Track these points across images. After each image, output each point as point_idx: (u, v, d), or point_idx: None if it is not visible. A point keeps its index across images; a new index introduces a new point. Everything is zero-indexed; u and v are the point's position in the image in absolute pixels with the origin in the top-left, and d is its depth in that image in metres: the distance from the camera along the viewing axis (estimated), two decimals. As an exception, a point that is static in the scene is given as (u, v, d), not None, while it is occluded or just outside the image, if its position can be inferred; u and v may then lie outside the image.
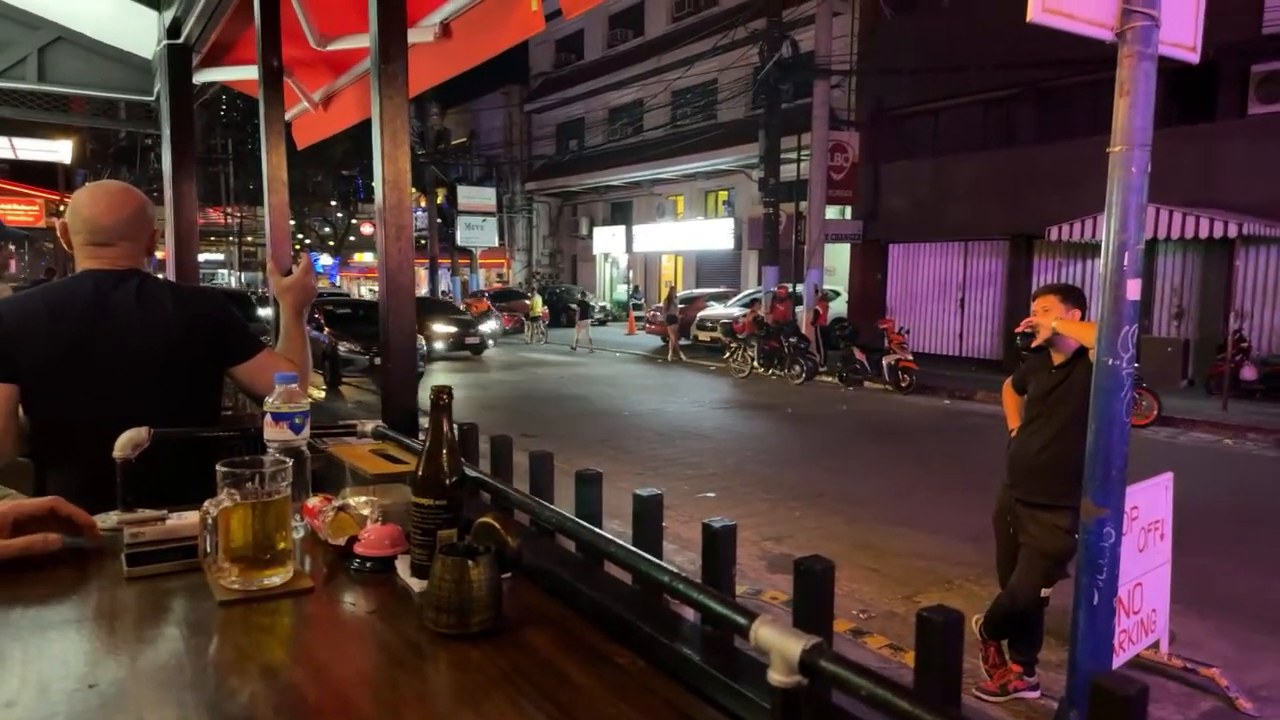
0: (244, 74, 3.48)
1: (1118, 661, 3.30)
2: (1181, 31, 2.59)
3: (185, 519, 1.30)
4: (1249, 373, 11.77)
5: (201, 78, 3.62)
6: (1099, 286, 2.63)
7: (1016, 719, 3.60)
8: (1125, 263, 2.54)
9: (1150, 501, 3.71)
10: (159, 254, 2.98)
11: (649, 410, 11.97)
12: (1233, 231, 11.22)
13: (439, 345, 17.99)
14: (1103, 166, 2.55)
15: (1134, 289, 2.57)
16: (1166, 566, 3.82)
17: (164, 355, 1.90)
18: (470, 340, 18.85)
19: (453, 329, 18.52)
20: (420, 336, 17.16)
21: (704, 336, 19.65)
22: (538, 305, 23.91)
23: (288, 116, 3.47)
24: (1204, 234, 11.45)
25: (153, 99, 4.04)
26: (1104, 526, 2.64)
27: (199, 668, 0.99)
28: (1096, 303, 2.66)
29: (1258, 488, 7.76)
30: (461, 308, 22.21)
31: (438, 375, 15.45)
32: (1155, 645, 3.84)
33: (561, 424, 10.82)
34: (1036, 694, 3.71)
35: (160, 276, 2.20)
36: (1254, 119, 12.81)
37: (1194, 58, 2.65)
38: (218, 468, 1.16)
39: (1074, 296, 3.59)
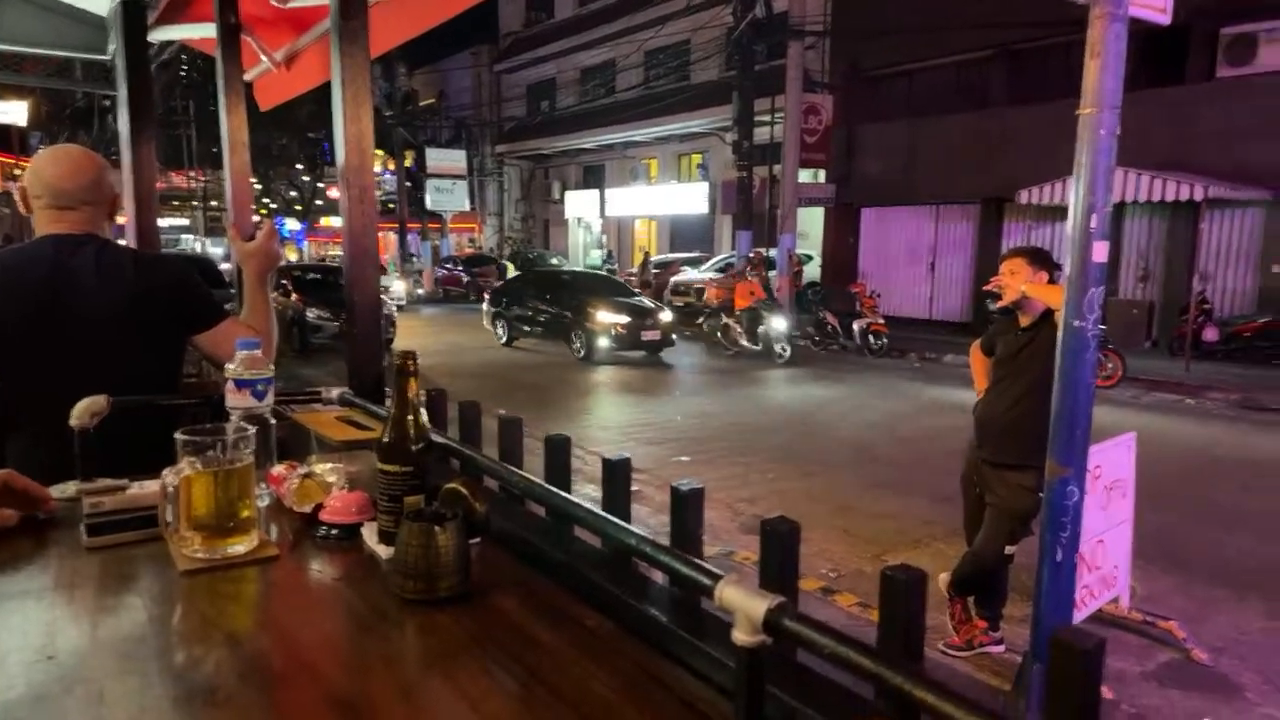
0: (202, 31, 3.37)
1: (1079, 616, 3.38)
2: (1152, -8, 2.58)
3: (146, 488, 1.28)
4: (1211, 334, 11.99)
5: (157, 35, 3.51)
6: (1067, 249, 2.65)
7: (981, 673, 3.69)
8: (1093, 225, 2.56)
9: (1113, 461, 3.78)
10: (120, 219, 2.91)
11: (623, 375, 11.97)
12: (1199, 195, 11.35)
13: (602, 342, 12.91)
14: (1073, 129, 2.56)
15: (1101, 251, 2.59)
16: (1128, 524, 3.91)
17: (124, 322, 1.86)
18: (648, 336, 13.23)
19: (623, 319, 13.09)
20: (581, 329, 13.17)
21: (678, 302, 19.62)
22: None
23: (248, 76, 3.37)
24: (1170, 197, 11.58)
25: (109, 58, 3.91)
26: (1068, 485, 2.69)
27: (162, 638, 0.98)
28: (1066, 265, 2.68)
29: (1218, 447, 7.94)
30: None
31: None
32: (1116, 600, 3.94)
33: (534, 391, 10.81)
34: (1001, 648, 3.80)
35: (121, 243, 2.15)
36: (1222, 82, 12.91)
37: (1165, 19, 2.65)
38: (176, 436, 1.14)
39: (1042, 259, 3.62)
